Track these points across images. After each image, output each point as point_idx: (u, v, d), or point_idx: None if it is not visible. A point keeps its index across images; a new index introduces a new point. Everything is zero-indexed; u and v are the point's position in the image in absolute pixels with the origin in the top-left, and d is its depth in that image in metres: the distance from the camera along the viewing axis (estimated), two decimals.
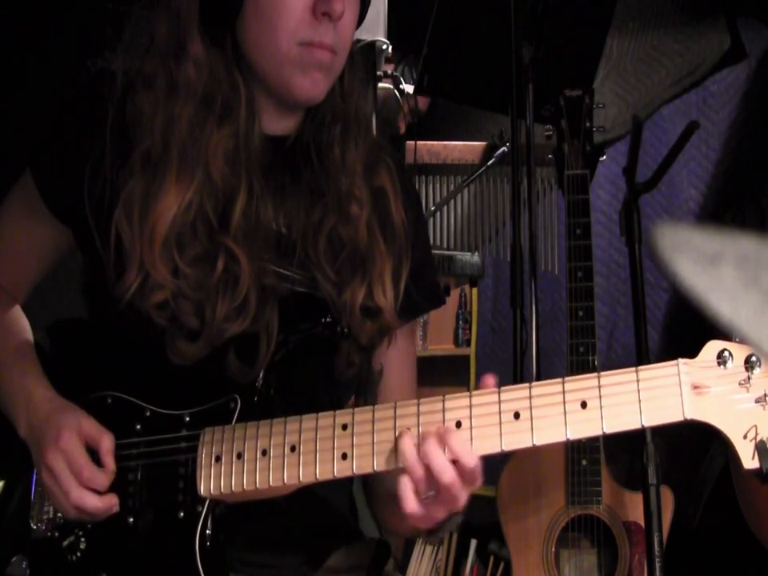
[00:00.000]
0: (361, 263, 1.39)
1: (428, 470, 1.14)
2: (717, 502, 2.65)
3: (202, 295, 1.31)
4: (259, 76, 1.36)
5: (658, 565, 2.01)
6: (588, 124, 2.37)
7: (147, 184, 1.32)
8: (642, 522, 2.16)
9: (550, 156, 2.42)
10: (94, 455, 1.31)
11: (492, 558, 3.01)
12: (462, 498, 1.18)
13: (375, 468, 1.20)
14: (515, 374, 2.25)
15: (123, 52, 1.38)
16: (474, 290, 3.67)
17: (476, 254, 2.85)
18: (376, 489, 1.46)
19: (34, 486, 1.39)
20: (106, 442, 1.31)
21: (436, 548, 3.22)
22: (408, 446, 1.16)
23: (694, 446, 2.68)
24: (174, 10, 1.35)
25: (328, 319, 1.34)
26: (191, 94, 1.34)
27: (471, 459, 1.14)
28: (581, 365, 2.22)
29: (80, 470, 1.29)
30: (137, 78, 1.36)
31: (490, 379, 1.19)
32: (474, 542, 3.15)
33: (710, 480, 2.68)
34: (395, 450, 1.18)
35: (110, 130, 1.35)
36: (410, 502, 1.16)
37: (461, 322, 3.82)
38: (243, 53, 1.35)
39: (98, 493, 1.30)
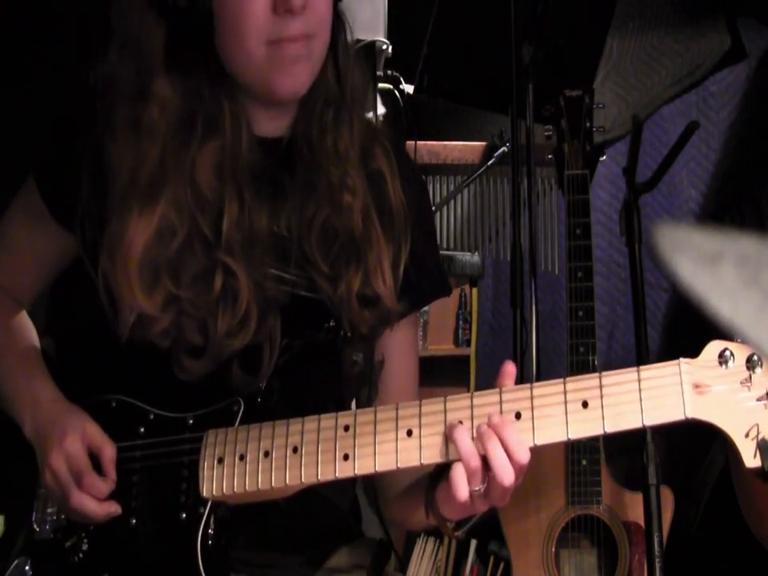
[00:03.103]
0: (355, 252, 1.37)
1: (484, 463, 1.16)
2: (717, 502, 2.65)
3: (204, 312, 1.30)
4: (243, 85, 1.34)
5: (657, 565, 2.01)
6: (588, 124, 2.37)
7: (118, 226, 1.31)
8: (642, 522, 2.16)
9: (549, 156, 2.42)
10: (95, 460, 1.32)
11: (492, 558, 3.00)
12: (509, 494, 1.19)
13: (377, 469, 1.20)
14: (515, 373, 2.25)
15: (97, 101, 1.36)
16: (474, 290, 3.66)
17: (476, 254, 2.85)
18: (388, 484, 1.45)
19: (37, 489, 1.39)
20: (109, 451, 1.32)
21: (436, 548, 3.22)
22: (463, 437, 1.16)
23: (694, 446, 2.68)
24: (137, 51, 1.33)
25: (331, 324, 1.34)
26: (157, 132, 1.32)
27: (525, 455, 1.15)
28: (581, 365, 2.22)
29: (81, 474, 1.29)
30: (109, 124, 1.34)
31: (510, 366, 1.21)
32: (474, 542, 3.15)
33: (711, 480, 2.68)
34: (446, 441, 1.19)
35: (89, 173, 1.34)
36: (463, 492, 1.16)
37: (461, 322, 3.81)
38: (224, 67, 1.33)
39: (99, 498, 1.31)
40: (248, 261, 1.32)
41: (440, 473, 1.24)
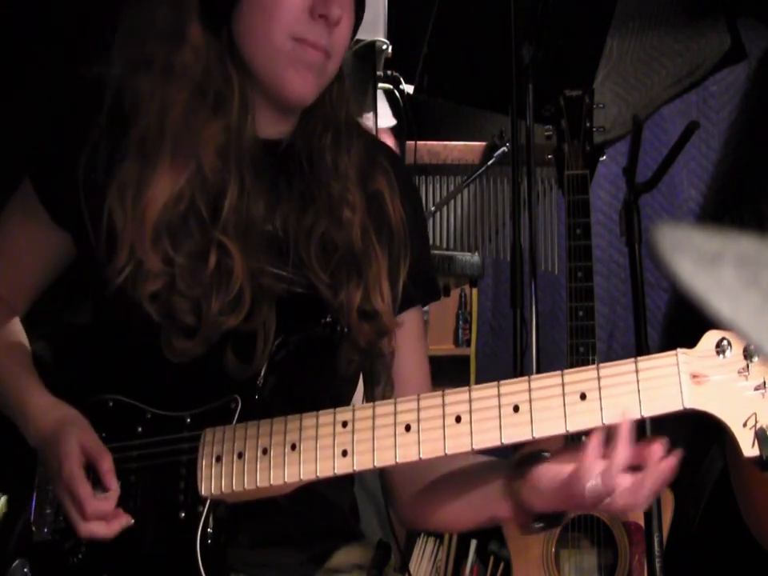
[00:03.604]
0: (356, 267, 1.38)
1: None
2: (717, 502, 2.65)
3: (198, 292, 1.30)
4: (253, 72, 1.36)
5: (658, 565, 2.01)
6: (588, 124, 2.38)
7: (141, 168, 1.31)
8: (642, 522, 2.16)
9: (549, 156, 2.42)
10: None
11: (492, 558, 3.01)
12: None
13: (375, 464, 1.20)
14: (515, 373, 2.25)
15: (122, 38, 1.38)
16: (474, 290, 3.67)
17: (476, 254, 2.85)
18: (416, 478, 1.41)
19: (35, 491, 1.39)
20: (106, 463, 1.30)
21: (436, 548, 3.22)
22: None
23: (694, 447, 2.68)
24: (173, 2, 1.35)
25: (328, 319, 1.34)
26: (187, 79, 1.33)
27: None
28: (581, 365, 2.21)
29: (82, 504, 1.27)
30: (135, 62, 1.35)
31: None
32: (474, 542, 3.15)
33: (710, 480, 2.68)
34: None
35: (106, 116, 1.34)
36: (586, 480, 1.14)
37: (461, 322, 3.82)
38: (238, 47, 1.35)
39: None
40: (243, 247, 1.32)
41: (528, 457, 1.23)
